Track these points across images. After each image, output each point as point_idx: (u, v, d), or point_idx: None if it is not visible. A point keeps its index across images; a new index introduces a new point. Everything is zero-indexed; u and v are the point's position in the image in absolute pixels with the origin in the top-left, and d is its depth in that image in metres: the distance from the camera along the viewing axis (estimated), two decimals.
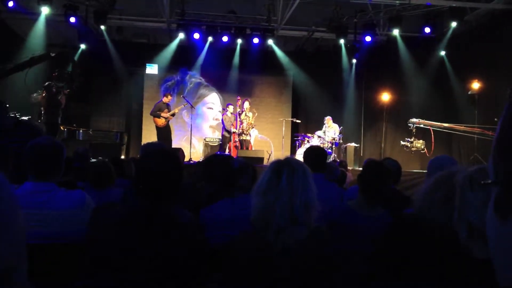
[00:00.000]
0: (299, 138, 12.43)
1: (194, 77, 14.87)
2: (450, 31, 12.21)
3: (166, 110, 11.93)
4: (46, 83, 10.10)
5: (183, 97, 12.87)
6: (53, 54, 9.57)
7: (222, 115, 12.41)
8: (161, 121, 11.84)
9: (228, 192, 2.86)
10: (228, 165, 2.97)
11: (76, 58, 12.79)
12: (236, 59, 14.21)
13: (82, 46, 12.78)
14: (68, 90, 10.23)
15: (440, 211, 1.88)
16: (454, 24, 11.72)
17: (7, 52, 11.30)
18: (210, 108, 15.02)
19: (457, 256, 1.82)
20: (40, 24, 11.79)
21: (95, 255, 1.98)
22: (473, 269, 1.61)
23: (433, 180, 1.98)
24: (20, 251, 0.67)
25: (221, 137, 12.57)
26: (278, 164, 2.01)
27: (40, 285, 2.07)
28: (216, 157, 3.18)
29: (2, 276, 0.62)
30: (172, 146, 11.67)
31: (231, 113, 12.14)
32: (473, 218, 1.54)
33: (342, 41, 13.18)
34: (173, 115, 12.17)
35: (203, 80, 14.94)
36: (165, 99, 12.09)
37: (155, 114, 11.85)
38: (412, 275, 1.85)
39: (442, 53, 13.15)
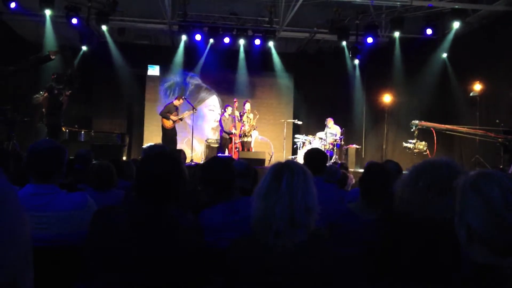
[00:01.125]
0: (300, 139, 12.42)
1: (194, 78, 14.89)
2: (452, 32, 12.18)
3: (175, 112, 11.90)
4: (48, 84, 10.12)
5: (184, 98, 12.89)
6: (53, 57, 9.57)
7: (221, 116, 12.41)
8: (169, 123, 11.78)
9: (226, 195, 2.85)
10: (227, 167, 2.96)
11: (77, 59, 12.84)
12: (240, 60, 14.23)
13: (84, 48, 12.81)
14: (69, 92, 10.25)
15: (421, 200, 1.89)
16: (456, 25, 11.71)
17: (8, 54, 11.33)
18: (211, 110, 15.04)
19: (446, 255, 1.83)
20: (49, 28, 11.86)
21: (96, 257, 1.98)
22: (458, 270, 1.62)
23: (413, 171, 1.98)
24: (27, 260, 0.68)
25: (219, 139, 12.56)
26: (278, 167, 2.01)
27: None
28: (214, 160, 3.16)
29: (9, 285, 0.62)
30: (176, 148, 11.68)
31: (229, 114, 12.13)
32: (473, 222, 1.54)
33: (344, 43, 13.19)
34: (181, 119, 12.14)
35: (203, 82, 14.96)
36: (176, 102, 12.03)
37: (165, 115, 11.79)
38: (405, 276, 1.86)
39: (444, 54, 13.14)
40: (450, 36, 12.32)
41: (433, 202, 1.87)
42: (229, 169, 2.94)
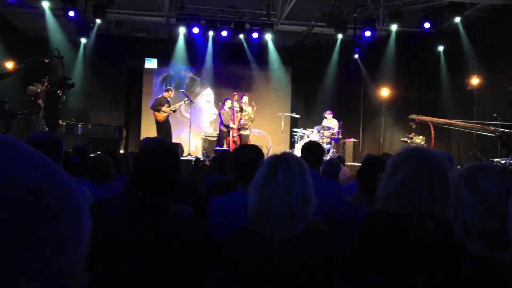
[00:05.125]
0: (298, 133, 12.42)
1: (189, 72, 14.86)
2: (459, 26, 12.07)
3: (166, 105, 11.89)
4: (47, 77, 10.05)
5: (182, 91, 12.86)
6: (47, 60, 9.53)
7: (220, 109, 12.39)
8: (161, 116, 11.79)
9: (244, 184, 2.82)
10: (251, 156, 2.92)
11: (80, 53, 12.84)
12: (238, 53, 14.19)
13: (83, 40, 12.79)
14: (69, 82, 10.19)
15: (397, 195, 1.88)
16: (457, 19, 11.69)
17: (5, 46, 11.29)
18: (208, 101, 15.04)
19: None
20: (51, 21, 11.82)
21: (94, 249, 1.98)
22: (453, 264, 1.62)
23: (390, 165, 1.97)
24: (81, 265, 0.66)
25: (218, 132, 12.54)
26: (275, 159, 2.00)
27: None
28: (245, 147, 3.14)
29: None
30: (172, 141, 11.68)
31: (228, 107, 12.11)
32: (468, 216, 1.53)
33: (340, 36, 13.15)
34: (174, 111, 12.13)
35: (200, 75, 14.94)
36: (166, 94, 12.04)
37: (156, 108, 11.80)
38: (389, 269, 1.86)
39: (440, 47, 13.11)
40: (461, 30, 12.19)
41: (406, 198, 1.86)
42: (251, 158, 2.90)
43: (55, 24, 12.16)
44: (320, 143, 5.66)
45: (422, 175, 1.85)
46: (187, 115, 13.34)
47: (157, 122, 11.87)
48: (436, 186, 1.81)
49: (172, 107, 12.03)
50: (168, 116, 11.94)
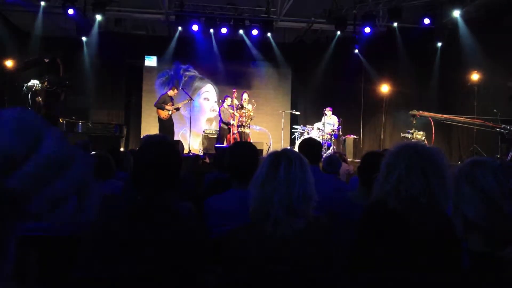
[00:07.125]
0: (298, 130, 12.41)
1: (188, 70, 14.85)
2: (459, 21, 12.04)
3: (170, 103, 11.88)
4: (46, 76, 10.05)
5: (182, 89, 12.85)
6: (47, 60, 9.54)
7: (220, 107, 12.37)
8: (164, 114, 11.77)
9: (240, 183, 2.82)
10: (244, 154, 2.91)
11: (85, 51, 12.86)
12: (238, 50, 14.17)
13: (84, 39, 12.80)
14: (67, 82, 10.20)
15: (395, 192, 1.89)
16: (456, 14, 11.67)
17: (4, 44, 11.27)
18: (206, 99, 15.01)
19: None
20: (40, 19, 11.80)
21: (94, 246, 1.98)
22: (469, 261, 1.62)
23: (384, 166, 1.98)
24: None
25: (218, 129, 12.54)
26: (276, 156, 2.00)
27: (40, 277, 2.08)
28: (237, 145, 3.12)
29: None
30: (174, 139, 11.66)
31: (228, 105, 12.10)
32: (468, 212, 1.53)
33: (339, 33, 13.14)
34: (177, 109, 12.10)
35: (197, 72, 14.92)
36: (170, 92, 12.02)
37: (160, 106, 11.78)
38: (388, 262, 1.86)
39: (441, 44, 13.09)
40: (461, 25, 12.15)
41: (409, 187, 1.87)
42: (245, 156, 2.90)
43: (51, 22, 12.14)
44: (318, 140, 5.65)
45: (416, 168, 1.87)
46: (186, 113, 13.33)
47: (160, 120, 11.86)
48: (432, 178, 1.83)
49: (176, 106, 12.02)
50: (171, 114, 11.93)
